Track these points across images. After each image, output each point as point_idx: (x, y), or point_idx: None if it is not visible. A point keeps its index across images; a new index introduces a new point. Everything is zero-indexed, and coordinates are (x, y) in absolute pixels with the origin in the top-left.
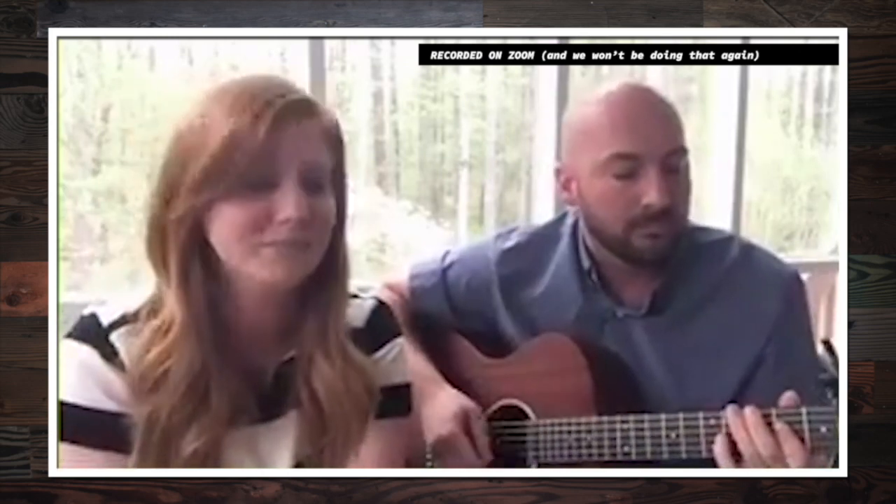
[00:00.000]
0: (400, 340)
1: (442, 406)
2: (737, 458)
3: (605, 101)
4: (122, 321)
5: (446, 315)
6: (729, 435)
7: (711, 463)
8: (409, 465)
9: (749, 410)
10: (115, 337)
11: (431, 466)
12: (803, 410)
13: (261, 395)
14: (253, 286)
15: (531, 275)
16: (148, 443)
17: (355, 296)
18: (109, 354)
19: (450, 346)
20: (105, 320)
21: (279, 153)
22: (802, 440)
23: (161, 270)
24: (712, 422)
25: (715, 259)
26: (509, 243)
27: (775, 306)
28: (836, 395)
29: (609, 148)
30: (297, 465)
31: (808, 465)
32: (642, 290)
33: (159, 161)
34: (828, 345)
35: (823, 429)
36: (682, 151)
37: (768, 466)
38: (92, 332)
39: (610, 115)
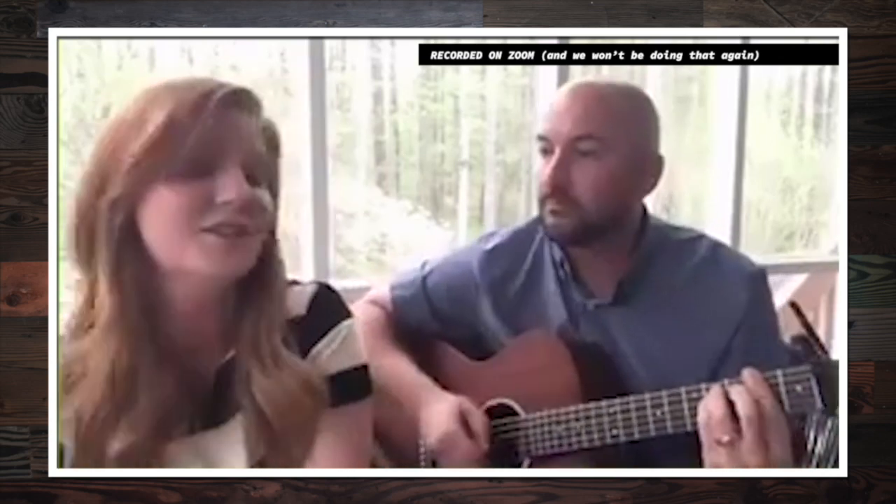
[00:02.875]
0: (347, 323)
1: (438, 409)
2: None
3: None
4: (70, 321)
5: (429, 322)
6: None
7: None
8: (401, 463)
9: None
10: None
11: (425, 466)
12: (779, 372)
13: (204, 401)
14: (189, 287)
15: (513, 272)
16: (78, 442)
17: (295, 282)
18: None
19: (435, 352)
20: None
21: (222, 138)
22: (781, 401)
23: (87, 262)
24: (694, 395)
25: (683, 256)
26: (491, 244)
27: (741, 302)
28: (808, 352)
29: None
30: (259, 463)
31: (789, 425)
32: (607, 281)
33: (91, 148)
34: (794, 306)
35: (799, 388)
36: (594, 139)
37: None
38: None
39: (548, 104)
